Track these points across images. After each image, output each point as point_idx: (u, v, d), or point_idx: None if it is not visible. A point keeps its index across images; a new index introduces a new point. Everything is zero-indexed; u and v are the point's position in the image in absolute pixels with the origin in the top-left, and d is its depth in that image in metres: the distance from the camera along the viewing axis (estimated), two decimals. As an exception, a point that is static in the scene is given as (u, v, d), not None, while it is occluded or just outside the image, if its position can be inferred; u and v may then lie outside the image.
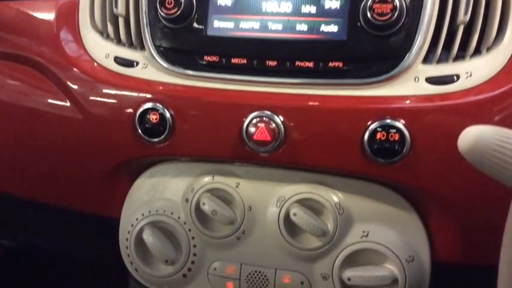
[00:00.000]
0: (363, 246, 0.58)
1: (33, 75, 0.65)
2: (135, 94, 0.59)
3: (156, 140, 0.59)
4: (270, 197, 0.61)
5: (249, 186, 0.62)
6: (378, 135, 0.53)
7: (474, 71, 0.52)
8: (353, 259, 0.59)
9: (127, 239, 0.65)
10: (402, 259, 0.57)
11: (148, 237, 0.63)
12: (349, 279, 0.58)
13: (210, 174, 0.62)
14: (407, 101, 0.53)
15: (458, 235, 0.57)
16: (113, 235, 0.68)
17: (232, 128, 0.57)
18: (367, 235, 0.58)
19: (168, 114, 0.58)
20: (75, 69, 0.62)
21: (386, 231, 0.58)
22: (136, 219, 0.64)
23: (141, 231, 0.64)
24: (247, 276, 0.62)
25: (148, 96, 0.59)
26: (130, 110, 0.59)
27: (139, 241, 0.64)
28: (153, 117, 0.59)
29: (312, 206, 0.59)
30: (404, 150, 0.53)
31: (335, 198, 0.59)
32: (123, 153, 0.62)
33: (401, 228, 0.58)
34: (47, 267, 1.09)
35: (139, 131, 0.59)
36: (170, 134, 0.59)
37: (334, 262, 0.59)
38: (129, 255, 0.65)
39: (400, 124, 0.53)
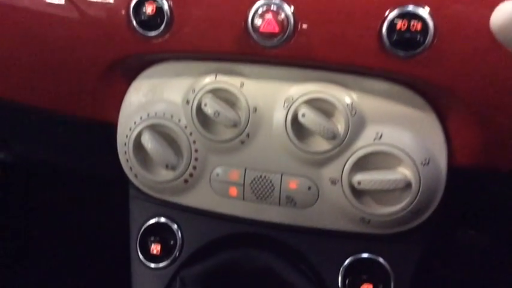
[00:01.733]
0: (375, 149, 0.54)
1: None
2: (128, -20, 0.54)
3: (153, 33, 0.54)
4: (277, 97, 0.56)
5: (254, 85, 0.57)
6: (398, 25, 0.48)
7: None
8: (364, 163, 0.55)
9: (125, 144, 0.62)
10: (417, 162, 0.53)
11: (147, 141, 0.60)
12: (359, 183, 0.55)
13: (213, 73, 0.57)
14: (433, -15, 0.48)
15: (479, 137, 0.53)
16: (110, 141, 0.65)
17: (236, 18, 0.52)
18: (380, 137, 0.54)
19: (165, 5, 0.53)
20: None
21: (402, 132, 0.54)
22: (135, 122, 0.60)
23: (139, 135, 0.60)
24: (252, 182, 0.59)
25: (143, -17, 0.53)
26: (124, 0, 0.54)
27: (138, 145, 0.61)
28: (149, 8, 0.53)
29: (322, 107, 0.55)
30: (427, 41, 0.48)
31: (347, 98, 0.54)
32: (118, 49, 0.57)
33: (418, 130, 0.54)
34: (46, 185, 1.08)
35: (134, 23, 0.54)
36: (168, 27, 0.54)
37: (344, 166, 0.56)
38: (127, 161, 0.62)
39: (423, 12, 0.47)
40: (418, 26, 0.48)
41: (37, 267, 1.10)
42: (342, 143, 0.55)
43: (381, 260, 0.59)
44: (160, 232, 0.66)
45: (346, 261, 0.60)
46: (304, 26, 0.51)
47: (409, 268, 0.59)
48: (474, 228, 0.89)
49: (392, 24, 0.48)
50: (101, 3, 0.55)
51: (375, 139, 0.54)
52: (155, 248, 0.66)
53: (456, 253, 0.92)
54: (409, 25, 0.48)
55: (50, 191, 1.08)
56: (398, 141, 0.54)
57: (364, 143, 0.55)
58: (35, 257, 1.12)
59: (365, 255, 0.60)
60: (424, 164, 0.53)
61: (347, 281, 0.59)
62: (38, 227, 1.10)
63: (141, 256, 0.66)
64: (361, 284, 0.59)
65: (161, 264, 0.65)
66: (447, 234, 0.84)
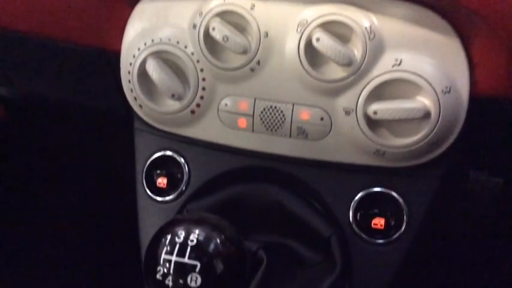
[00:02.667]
0: (393, 76, 0.51)
1: None
2: None
3: None
4: (290, 21, 0.53)
5: (266, 8, 0.53)
6: None
7: None
8: (381, 92, 0.52)
9: (129, 72, 0.59)
10: (437, 90, 0.50)
11: (152, 69, 0.56)
12: (375, 112, 0.52)
13: None
14: None
15: (504, 65, 0.50)
16: (114, 72, 0.62)
17: None
18: (399, 63, 0.51)
19: None
20: None
21: (422, 59, 0.51)
22: (138, 49, 0.57)
23: (143, 62, 0.57)
24: (262, 112, 0.57)
25: None
26: None
27: (143, 74, 0.58)
28: None
29: (338, 32, 0.51)
30: None
31: (366, 21, 0.51)
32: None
33: (440, 56, 0.51)
34: (49, 124, 1.06)
35: None
36: None
37: (360, 95, 0.53)
38: (132, 90, 0.60)
39: None
40: None
41: (40, 204, 1.09)
42: (358, 70, 0.51)
43: (394, 194, 0.57)
44: (166, 165, 0.64)
45: (358, 195, 0.58)
46: None
47: (422, 203, 0.57)
48: (487, 170, 0.87)
49: None
50: None
51: (393, 65, 0.51)
52: (161, 181, 0.64)
53: (466, 196, 0.90)
54: None
55: (53, 130, 1.06)
56: (419, 68, 0.50)
57: (382, 70, 0.51)
58: (39, 195, 1.11)
59: (377, 189, 0.58)
60: (444, 92, 0.50)
61: (358, 215, 0.58)
62: (41, 167, 1.09)
63: (147, 189, 0.64)
64: (373, 218, 0.57)
65: (167, 198, 0.63)
66: (459, 175, 0.82)
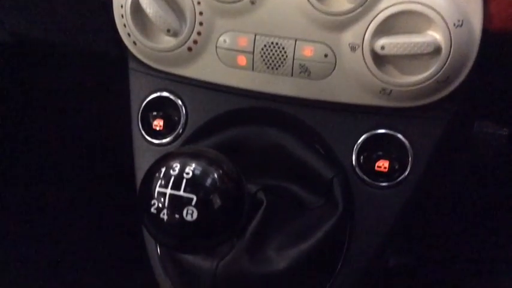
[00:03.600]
0: (403, 8, 0.48)
1: None
2: None
3: None
4: None
5: None
6: None
7: None
8: (389, 27, 0.49)
9: (122, 6, 0.55)
10: (449, 23, 0.47)
11: (146, 2, 0.53)
12: (382, 47, 0.49)
13: None
14: None
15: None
16: (106, 7, 0.58)
17: None
18: None
19: None
20: None
21: (435, -11, 0.48)
22: (131, -22, 0.54)
23: None
24: (262, 49, 0.54)
25: None
26: None
27: (136, 8, 0.54)
28: None
29: None
30: None
31: None
32: None
33: (453, -14, 0.48)
34: (43, 68, 1.03)
35: None
36: None
37: (366, 29, 0.49)
38: (125, 26, 0.56)
39: None
40: None
41: (35, 147, 1.08)
42: (365, 2, 0.48)
43: (399, 136, 0.55)
44: (163, 107, 0.62)
45: (362, 137, 0.56)
46: None
47: (428, 146, 0.55)
48: (492, 122, 0.85)
49: None
50: None
51: None
52: (158, 124, 0.62)
53: (470, 146, 0.89)
54: None
55: (47, 74, 1.03)
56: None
57: (391, 2, 0.48)
58: (34, 139, 1.09)
59: (382, 130, 0.55)
60: (456, 26, 0.47)
61: (361, 158, 0.56)
62: (35, 112, 1.07)
63: (142, 132, 0.62)
64: (377, 160, 0.55)
65: (164, 141, 0.61)
66: (464, 124, 0.80)
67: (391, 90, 0.51)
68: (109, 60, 0.69)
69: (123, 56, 0.63)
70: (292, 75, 0.54)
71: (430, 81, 0.50)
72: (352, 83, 0.53)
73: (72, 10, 0.66)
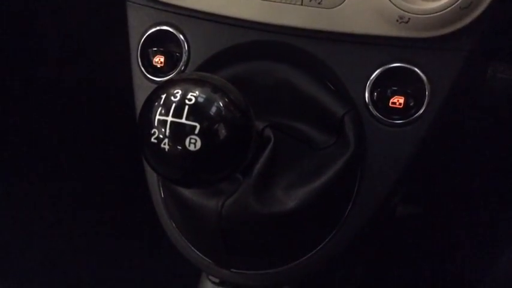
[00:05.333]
0: None
1: None
2: None
3: None
4: None
5: None
6: None
7: None
8: None
9: None
10: None
11: None
12: None
13: None
14: None
15: None
16: None
17: None
18: None
19: None
20: None
21: None
22: None
23: None
24: None
25: None
26: None
27: None
28: None
29: None
30: None
31: None
32: None
33: None
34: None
35: None
36: None
37: None
38: None
39: None
40: None
41: (38, 108, 1.05)
42: None
43: (416, 69, 0.51)
44: (163, 43, 0.58)
45: (376, 72, 0.52)
46: None
47: (447, 81, 0.51)
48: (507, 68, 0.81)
49: None
50: None
51: None
52: (158, 60, 0.58)
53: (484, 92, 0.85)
54: None
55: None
56: None
57: None
58: (36, 97, 1.06)
59: (398, 64, 0.52)
60: None
61: (375, 94, 0.52)
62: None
63: (142, 68, 0.59)
64: (392, 96, 0.52)
65: (165, 78, 0.58)
66: (480, 66, 0.76)
67: (409, 18, 0.47)
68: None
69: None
70: (302, 3, 0.50)
71: (453, 6, 0.46)
72: (367, 10, 0.49)
73: None
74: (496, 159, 0.94)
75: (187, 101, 0.37)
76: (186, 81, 0.39)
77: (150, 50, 0.58)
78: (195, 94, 0.37)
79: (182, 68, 0.57)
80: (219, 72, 0.56)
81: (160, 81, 0.58)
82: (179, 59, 0.58)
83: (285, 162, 0.52)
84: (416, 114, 0.52)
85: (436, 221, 1.03)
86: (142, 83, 0.59)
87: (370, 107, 0.53)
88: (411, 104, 0.52)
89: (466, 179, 0.98)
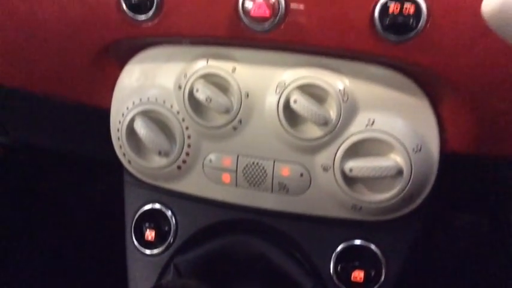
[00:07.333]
0: (367, 136, 0.54)
1: None
2: (117, -37, 0.53)
3: (143, 17, 0.53)
4: (269, 82, 0.56)
5: (246, 70, 0.56)
6: (391, 8, 0.47)
7: None
8: (356, 149, 0.55)
9: (118, 130, 0.61)
10: (409, 149, 0.53)
11: (140, 127, 0.59)
12: (351, 170, 0.54)
13: (204, 58, 0.57)
14: (428, -33, 0.47)
15: (472, 123, 0.52)
16: (105, 126, 0.65)
17: (226, 2, 0.51)
18: (372, 123, 0.54)
19: None
20: None
21: (394, 119, 0.54)
22: (127, 108, 0.60)
23: (132, 121, 0.60)
24: (245, 168, 0.59)
25: (132, -35, 0.52)
26: (113, -17, 0.53)
27: (131, 131, 0.60)
28: None
29: (314, 93, 0.54)
30: (420, 25, 0.47)
31: (340, 84, 0.54)
32: (108, 32, 0.56)
33: (410, 116, 0.54)
34: (46, 168, 1.08)
35: (124, 6, 0.53)
36: (158, 11, 0.53)
37: (336, 153, 0.55)
38: (121, 147, 0.62)
39: None
40: (411, 9, 0.47)
41: (33, 249, 1.11)
42: (334, 130, 0.54)
43: (372, 247, 0.59)
44: (154, 218, 0.66)
45: (338, 248, 0.60)
46: (296, 9, 0.50)
47: (400, 255, 0.59)
48: (473, 212, 0.89)
49: (384, 7, 0.47)
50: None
51: (367, 125, 0.54)
52: (150, 235, 0.66)
53: (454, 237, 0.92)
54: (401, 8, 0.47)
55: (48, 174, 1.08)
56: (390, 127, 0.53)
57: (356, 130, 0.54)
58: (32, 238, 1.12)
59: (357, 241, 0.60)
60: (415, 151, 0.53)
61: (339, 268, 0.59)
62: (37, 212, 1.11)
63: (135, 242, 0.66)
64: (353, 270, 0.59)
65: (155, 251, 0.65)
66: (444, 218, 0.83)
67: (361, 207, 0.56)
68: (109, 168, 0.74)
69: (119, 164, 0.69)
70: (272, 191, 0.59)
71: (396, 199, 0.54)
72: (326, 199, 0.58)
73: (75, 125, 0.73)
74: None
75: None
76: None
77: (143, 225, 0.66)
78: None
79: (171, 241, 0.65)
80: (203, 246, 0.63)
81: (151, 254, 0.65)
82: (168, 233, 0.65)
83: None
84: (376, 286, 0.58)
85: None
86: (135, 255, 0.66)
87: (334, 279, 0.59)
88: (371, 277, 0.59)
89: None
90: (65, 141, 0.79)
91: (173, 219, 0.65)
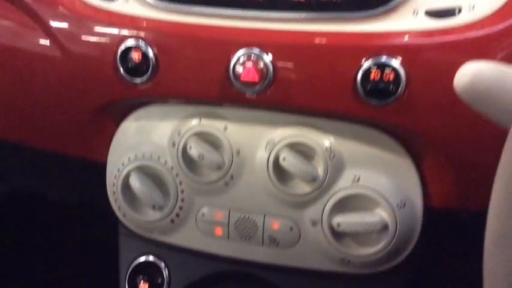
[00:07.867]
0: (353, 192, 0.56)
1: (8, 9, 0.61)
2: (115, 30, 0.56)
3: (139, 80, 0.56)
4: (259, 140, 0.58)
5: (237, 129, 0.59)
6: (372, 75, 0.50)
7: (477, 3, 0.48)
8: (343, 204, 0.57)
9: (114, 184, 0.63)
10: (393, 205, 0.55)
11: (135, 182, 0.61)
12: (338, 225, 0.56)
13: (197, 117, 0.60)
14: (406, 37, 0.50)
15: (453, 180, 0.55)
16: (102, 179, 0.67)
17: (219, 67, 0.54)
18: (358, 180, 0.56)
19: (151, 53, 0.55)
20: (53, 3, 0.58)
21: (378, 176, 0.56)
22: (123, 163, 0.62)
23: (127, 176, 0.62)
24: (236, 222, 0.61)
25: (130, 32, 0.56)
26: (111, 48, 0.56)
27: (127, 186, 0.62)
28: (136, 56, 0.56)
29: (302, 151, 0.57)
30: (399, 90, 0.50)
31: (326, 142, 0.56)
32: (105, 94, 0.59)
33: (394, 173, 0.56)
34: (42, 214, 1.09)
35: (122, 70, 0.56)
36: (154, 74, 0.56)
37: (324, 208, 0.57)
38: (116, 201, 0.64)
39: (396, 62, 0.49)
40: (391, 75, 0.50)
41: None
42: (321, 186, 0.56)
43: None
44: (148, 270, 0.67)
45: None
46: (283, 74, 0.53)
47: None
48: (462, 259, 0.90)
49: (366, 74, 0.50)
50: (89, 53, 0.57)
51: (353, 182, 0.56)
52: (143, 287, 0.67)
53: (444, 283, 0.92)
54: (382, 75, 0.50)
55: (43, 223, 1.09)
56: (375, 184, 0.55)
57: (343, 186, 0.56)
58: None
59: None
60: (400, 207, 0.55)
61: None
62: (29, 260, 1.11)
63: (129, 294, 0.67)
64: None
65: (150, 303, 0.66)
66: (433, 265, 0.85)
67: (349, 260, 0.58)
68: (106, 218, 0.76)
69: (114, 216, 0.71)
70: (262, 244, 0.61)
71: (382, 253, 0.56)
72: (315, 252, 0.60)
73: (71, 178, 0.75)
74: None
75: None
76: None
77: (136, 278, 0.67)
78: None
79: None
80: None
81: (145, 304, 0.66)
82: (161, 285, 0.66)
83: None
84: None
85: None
86: None
87: None
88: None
89: None
90: (61, 192, 0.81)
91: (166, 271, 0.66)
